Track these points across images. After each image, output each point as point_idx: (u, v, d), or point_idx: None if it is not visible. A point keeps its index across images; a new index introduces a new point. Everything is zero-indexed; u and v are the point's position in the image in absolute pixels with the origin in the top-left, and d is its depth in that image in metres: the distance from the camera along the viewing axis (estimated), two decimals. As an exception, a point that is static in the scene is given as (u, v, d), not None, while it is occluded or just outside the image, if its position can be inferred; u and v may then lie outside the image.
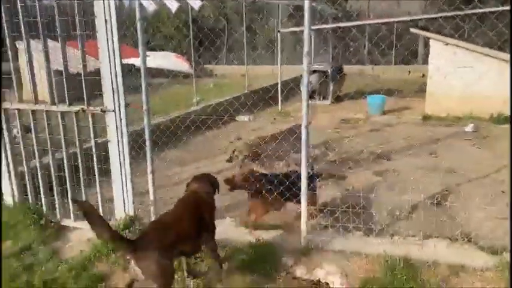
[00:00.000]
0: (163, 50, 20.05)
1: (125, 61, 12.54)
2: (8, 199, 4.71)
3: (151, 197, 4.18)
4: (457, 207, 4.64)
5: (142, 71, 3.89)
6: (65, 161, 4.28)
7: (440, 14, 8.13)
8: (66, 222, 4.48)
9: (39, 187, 4.50)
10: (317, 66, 11.29)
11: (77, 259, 3.88)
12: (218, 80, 17.82)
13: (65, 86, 4.10)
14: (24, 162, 4.52)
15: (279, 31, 10.37)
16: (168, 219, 3.17)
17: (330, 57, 19.19)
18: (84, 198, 4.31)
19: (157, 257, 2.77)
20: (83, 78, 4.00)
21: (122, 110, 3.95)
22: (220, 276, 3.49)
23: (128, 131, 3.99)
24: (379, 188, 5.38)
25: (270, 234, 4.08)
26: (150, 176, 4.12)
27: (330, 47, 19.47)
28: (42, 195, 4.50)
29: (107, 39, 3.80)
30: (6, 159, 4.59)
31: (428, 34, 8.79)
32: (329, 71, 10.90)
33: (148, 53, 17.89)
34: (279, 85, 10.41)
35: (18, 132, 4.54)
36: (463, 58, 8.42)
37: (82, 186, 4.28)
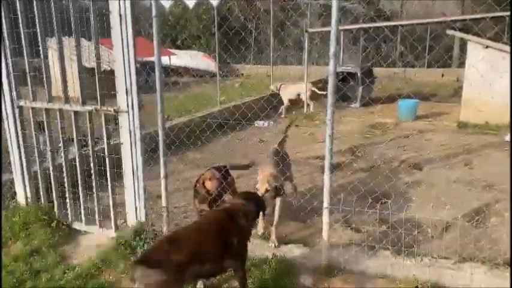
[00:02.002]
0: (189, 48, 19.97)
1: (150, 59, 12.51)
2: (21, 200, 4.61)
3: (164, 203, 3.96)
4: (497, 228, 4.21)
5: (156, 70, 3.67)
6: (78, 163, 4.12)
7: (481, 15, 7.60)
8: (77, 225, 4.34)
9: (51, 189, 4.37)
10: (345, 68, 10.87)
11: (85, 266, 3.71)
12: (245, 80, 17.59)
13: (79, 84, 3.92)
14: (37, 162, 4.40)
15: (307, 31, 10.02)
16: (184, 234, 2.84)
17: (360, 59, 18.71)
18: (96, 202, 4.15)
19: (161, 278, 2.47)
20: (96, 76, 3.82)
21: (136, 110, 3.74)
22: None
23: (141, 134, 3.78)
24: (411, 202, 4.99)
25: (290, 249, 3.79)
26: (163, 182, 3.90)
27: (360, 48, 18.99)
28: (54, 197, 4.37)
29: (121, 37, 3.59)
30: (20, 159, 4.47)
31: (466, 36, 8.25)
32: (358, 73, 10.45)
33: (176, 51, 17.93)
34: (305, 87, 10.07)
35: (37, 131, 4.42)
36: (503, 62, 7.83)
37: (94, 189, 4.12)
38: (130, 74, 3.68)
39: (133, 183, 3.94)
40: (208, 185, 3.89)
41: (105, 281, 3.51)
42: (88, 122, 3.98)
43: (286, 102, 10.41)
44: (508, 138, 7.53)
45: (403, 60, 18.66)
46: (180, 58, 17.95)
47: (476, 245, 3.83)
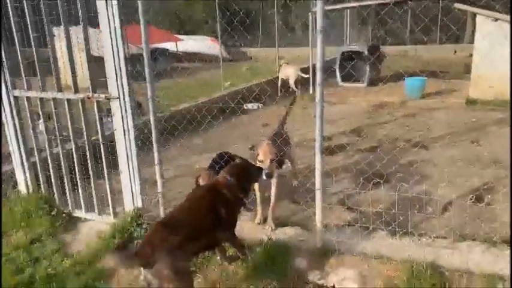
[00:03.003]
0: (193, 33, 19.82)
1: (158, 45, 12.52)
2: (22, 189, 4.66)
3: (159, 189, 3.96)
4: (498, 206, 4.11)
5: (145, 56, 3.61)
6: (74, 151, 4.13)
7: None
8: (77, 213, 4.38)
9: (51, 177, 4.41)
10: (352, 46, 10.66)
11: (83, 253, 3.75)
12: (253, 63, 17.45)
13: (70, 72, 3.90)
14: (35, 151, 4.43)
15: (310, 11, 9.81)
16: (177, 215, 2.89)
17: (369, 36, 18.34)
18: (93, 189, 4.18)
19: (170, 261, 2.49)
20: (86, 64, 3.79)
21: (126, 96, 3.71)
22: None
23: (133, 120, 3.76)
24: (412, 181, 4.90)
25: (286, 232, 3.77)
26: (157, 168, 3.89)
27: (370, 26, 18.62)
28: (53, 185, 4.41)
29: (108, 21, 3.54)
30: (19, 149, 4.52)
31: (474, 9, 7.95)
32: (364, 52, 10.23)
33: (182, 37, 17.84)
34: (310, 68, 9.91)
35: (36, 121, 4.45)
36: (514, 35, 7.55)
37: (92, 177, 4.13)
38: (119, 60, 3.64)
39: (129, 170, 3.95)
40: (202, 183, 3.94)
41: (103, 267, 3.54)
42: (81, 110, 3.97)
43: (279, 82, 10.36)
44: (518, 113, 7.32)
45: (413, 37, 18.20)
46: (187, 43, 17.86)
47: (475, 223, 3.74)
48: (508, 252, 3.23)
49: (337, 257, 3.35)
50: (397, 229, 3.50)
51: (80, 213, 4.36)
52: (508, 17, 7.68)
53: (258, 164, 3.69)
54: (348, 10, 13.39)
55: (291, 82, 10.14)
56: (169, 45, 17.15)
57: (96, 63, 3.84)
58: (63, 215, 4.37)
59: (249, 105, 8.83)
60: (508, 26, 7.74)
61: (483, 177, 4.78)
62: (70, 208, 4.39)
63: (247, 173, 3.31)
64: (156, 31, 17.39)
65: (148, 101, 3.72)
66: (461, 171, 5.08)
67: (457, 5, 8.28)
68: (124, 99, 3.73)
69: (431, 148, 5.90)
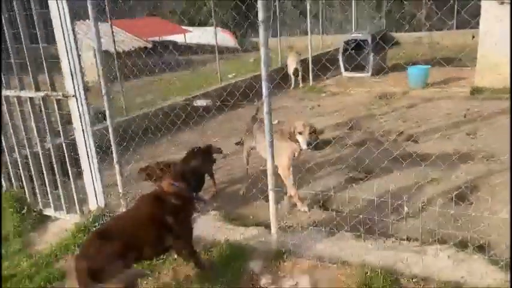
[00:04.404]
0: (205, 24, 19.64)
1: (167, 38, 12.36)
2: (-5, 187, 4.67)
3: (120, 189, 3.87)
4: (481, 205, 3.84)
5: (96, 50, 3.50)
6: (40, 151, 4.08)
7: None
8: (47, 211, 4.35)
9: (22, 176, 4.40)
10: (354, 35, 10.29)
11: (44, 253, 3.71)
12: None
13: (30, 70, 3.83)
14: (5, 150, 4.41)
15: (308, -1, 9.50)
16: (116, 224, 2.80)
17: (382, 23, 17.73)
18: (60, 188, 4.13)
19: (104, 272, 2.38)
20: (43, 60, 3.71)
21: (82, 94, 3.62)
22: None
23: (90, 118, 3.67)
24: (395, 177, 4.66)
25: (246, 232, 3.61)
26: (116, 167, 3.81)
27: (383, 12, 17.97)
28: (24, 184, 4.40)
29: (59, 17, 3.44)
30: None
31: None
32: (368, 40, 9.84)
33: (191, 28, 17.61)
34: (310, 59, 9.64)
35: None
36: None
37: (57, 177, 4.08)
38: (73, 58, 3.54)
39: (90, 169, 3.88)
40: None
41: (58, 269, 3.49)
42: (43, 108, 3.90)
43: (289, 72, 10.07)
44: (524, 102, 6.88)
45: (429, 23, 17.50)
46: (196, 35, 17.72)
47: (452, 225, 3.50)
48: (476, 257, 2.99)
49: (293, 260, 3.18)
50: (362, 231, 3.30)
51: (50, 212, 4.33)
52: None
53: (298, 136, 3.82)
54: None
55: (289, 71, 9.89)
56: (178, 38, 17.08)
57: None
58: (34, 213, 4.35)
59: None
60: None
61: (470, 174, 4.48)
62: (41, 206, 4.36)
63: (195, 169, 3.17)
64: (164, 23, 17.36)
65: (103, 97, 3.62)
66: (449, 166, 4.78)
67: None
68: (81, 97, 3.63)
69: (424, 141, 5.59)
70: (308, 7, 9.48)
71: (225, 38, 18.41)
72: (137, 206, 2.92)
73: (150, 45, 14.34)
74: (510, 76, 5.86)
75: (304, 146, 3.81)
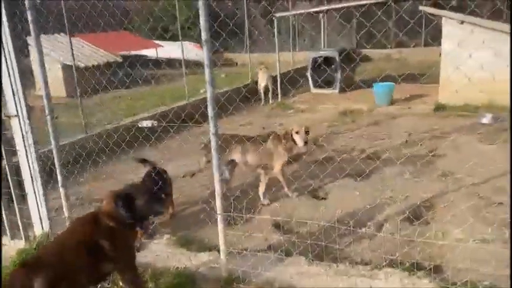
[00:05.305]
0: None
1: (138, 52, 12.17)
2: None
3: (66, 213, 3.69)
4: (436, 225, 3.83)
5: (39, 66, 3.34)
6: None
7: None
8: (-10, 237, 4.10)
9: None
10: (322, 52, 10.40)
11: (-18, 283, 3.48)
12: (238, 68, 17.17)
13: None
14: None
15: (274, 16, 9.54)
16: (45, 251, 2.63)
17: (353, 40, 18.06)
18: (3, 213, 3.90)
19: None
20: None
21: (25, 114, 3.45)
22: None
23: (33, 138, 3.49)
24: (353, 197, 4.63)
25: (198, 258, 3.48)
26: (61, 190, 3.63)
27: (354, 29, 18.31)
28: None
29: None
30: None
31: (439, 12, 7.67)
32: (336, 57, 9.94)
33: (163, 43, 17.45)
34: (278, 75, 9.65)
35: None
36: (482, 37, 7.23)
37: (1, 200, 3.86)
38: (14, 76, 3.38)
39: (34, 192, 3.69)
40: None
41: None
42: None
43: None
44: (484, 120, 7.03)
45: (396, 40, 17.94)
46: (167, 50, 17.60)
47: (405, 246, 3.45)
48: (426, 281, 2.95)
49: (244, 287, 3.07)
50: (310, 257, 3.23)
51: (-7, 238, 4.09)
52: (474, 19, 7.41)
53: (295, 136, 4.49)
54: (325, 14, 13.14)
55: (259, 88, 9.87)
56: (149, 52, 16.94)
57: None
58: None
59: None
60: (475, 28, 7.48)
61: (427, 192, 4.49)
62: (-17, 232, 4.12)
63: (144, 199, 3.00)
64: (133, 38, 17.19)
65: (47, 117, 3.46)
66: (407, 184, 4.79)
67: (422, 8, 8.00)
68: (23, 117, 3.47)
69: (385, 159, 5.58)
70: (276, 25, 9.51)
71: (198, 53, 18.36)
72: (70, 229, 2.74)
73: (119, 60, 14.16)
74: (510, 95, 5.95)
75: (301, 144, 4.49)
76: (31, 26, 3.23)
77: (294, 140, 4.53)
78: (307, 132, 4.58)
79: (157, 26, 20.57)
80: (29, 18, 3.22)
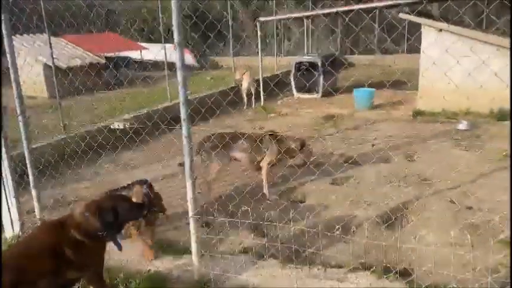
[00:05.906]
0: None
1: (121, 54, 12.11)
2: None
3: (38, 215, 3.64)
4: (408, 229, 3.89)
5: (10, 65, 3.30)
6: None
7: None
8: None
9: None
10: (305, 57, 10.48)
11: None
12: (223, 71, 17.14)
13: None
14: None
15: (258, 20, 9.57)
16: (9, 254, 2.57)
17: (337, 46, 18.24)
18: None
19: None
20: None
21: (-4, 116, 3.40)
22: None
23: (2, 139, 3.44)
24: (330, 200, 4.66)
25: (170, 261, 3.46)
26: (33, 191, 3.58)
27: (339, 35, 18.50)
28: None
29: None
30: None
31: (418, 19, 7.80)
32: (318, 63, 10.02)
33: (148, 45, 17.38)
34: (261, 79, 9.68)
35: None
36: (460, 46, 7.39)
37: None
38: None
39: (5, 194, 3.62)
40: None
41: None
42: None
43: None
44: (461, 126, 7.16)
45: (381, 47, 18.18)
46: (153, 52, 17.51)
47: (379, 250, 3.50)
48: (397, 284, 2.99)
49: (214, 291, 3.06)
50: (280, 259, 3.24)
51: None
52: (452, 27, 7.55)
53: (297, 152, 4.84)
54: (309, 20, 13.25)
55: (242, 91, 9.89)
56: (134, 54, 16.84)
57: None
58: None
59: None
60: (453, 36, 7.62)
61: (401, 197, 4.55)
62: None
63: (119, 211, 2.92)
64: (118, 39, 17.07)
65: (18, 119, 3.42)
66: (383, 189, 4.85)
67: (402, 15, 8.13)
68: (-6, 117, 3.41)
69: (363, 164, 5.65)
70: (258, 28, 9.53)
71: (184, 56, 18.29)
72: (34, 233, 2.69)
73: (103, 61, 14.02)
74: (510, 99, 6.05)
75: (297, 162, 5.04)
76: (3, 26, 3.19)
77: (296, 150, 4.80)
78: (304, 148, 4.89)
79: (143, 28, 20.59)
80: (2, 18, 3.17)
